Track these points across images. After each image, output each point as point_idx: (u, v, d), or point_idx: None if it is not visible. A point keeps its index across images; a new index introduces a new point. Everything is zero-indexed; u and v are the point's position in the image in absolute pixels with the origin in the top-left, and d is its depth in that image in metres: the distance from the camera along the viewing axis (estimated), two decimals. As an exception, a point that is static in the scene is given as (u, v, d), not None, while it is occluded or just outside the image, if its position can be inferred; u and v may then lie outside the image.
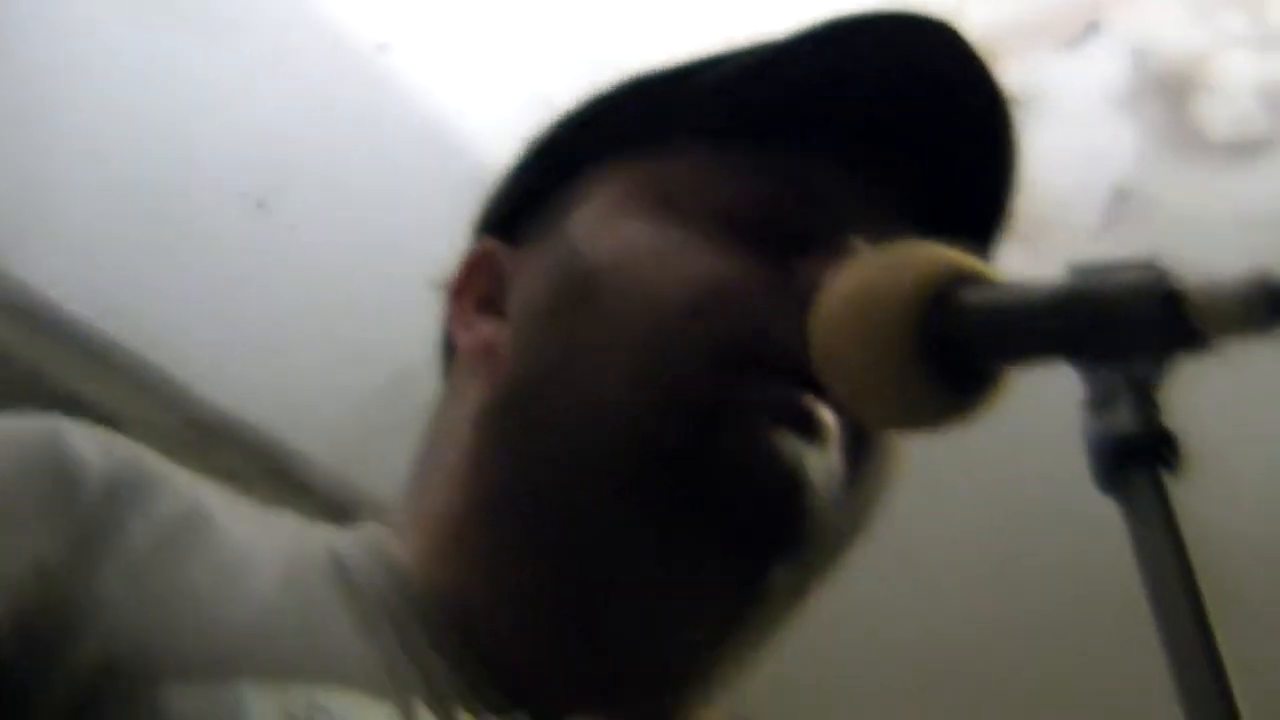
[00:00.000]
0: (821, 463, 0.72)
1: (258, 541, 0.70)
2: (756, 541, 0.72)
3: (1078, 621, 2.31)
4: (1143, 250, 0.65)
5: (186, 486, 0.70)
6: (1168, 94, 1.96)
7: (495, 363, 0.77)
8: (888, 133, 0.77)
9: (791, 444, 0.71)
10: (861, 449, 0.74)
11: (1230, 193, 2.01)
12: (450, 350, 0.83)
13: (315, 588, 0.70)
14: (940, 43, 0.76)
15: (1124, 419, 0.60)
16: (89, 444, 0.67)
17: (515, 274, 0.80)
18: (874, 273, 0.67)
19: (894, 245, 0.68)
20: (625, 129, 0.80)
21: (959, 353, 0.65)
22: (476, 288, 0.81)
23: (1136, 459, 0.59)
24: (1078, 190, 1.98)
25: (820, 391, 0.70)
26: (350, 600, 0.70)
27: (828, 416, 0.72)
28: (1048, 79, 1.91)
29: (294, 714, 0.60)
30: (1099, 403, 0.61)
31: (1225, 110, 1.97)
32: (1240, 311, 0.60)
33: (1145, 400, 0.60)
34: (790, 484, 0.70)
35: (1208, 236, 1.88)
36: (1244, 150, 1.99)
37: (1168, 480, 0.58)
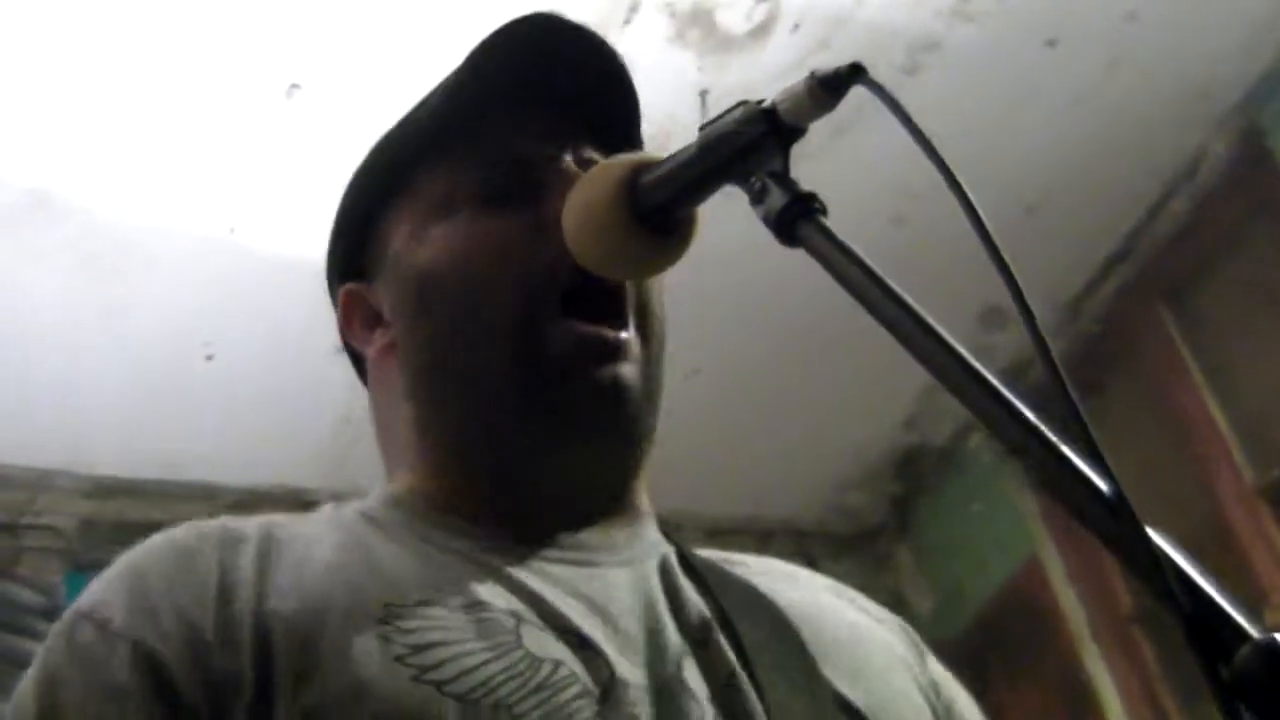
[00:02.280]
0: (629, 367, 1.01)
1: (311, 533, 0.97)
2: (616, 420, 1.02)
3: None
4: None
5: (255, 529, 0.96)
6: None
7: (397, 352, 1.07)
8: (556, 94, 1.08)
9: (610, 368, 1.00)
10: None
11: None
12: (362, 364, 1.13)
13: (358, 538, 0.97)
14: (560, 24, 1.07)
15: (776, 199, 0.89)
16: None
17: (379, 295, 1.10)
18: (587, 187, 0.97)
19: (594, 165, 0.99)
20: (393, 177, 1.09)
21: (659, 212, 0.95)
22: (358, 318, 1.12)
23: (799, 218, 0.88)
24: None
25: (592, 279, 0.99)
26: (382, 534, 0.98)
27: (624, 333, 1.01)
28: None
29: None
30: (758, 198, 0.90)
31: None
32: (811, 101, 0.90)
33: (784, 181, 0.90)
34: (619, 389, 1.00)
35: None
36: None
37: (822, 220, 0.88)
